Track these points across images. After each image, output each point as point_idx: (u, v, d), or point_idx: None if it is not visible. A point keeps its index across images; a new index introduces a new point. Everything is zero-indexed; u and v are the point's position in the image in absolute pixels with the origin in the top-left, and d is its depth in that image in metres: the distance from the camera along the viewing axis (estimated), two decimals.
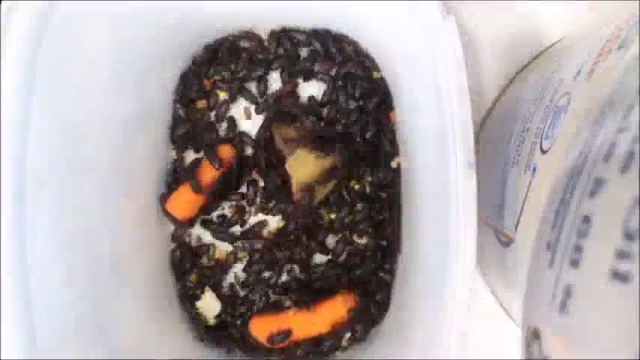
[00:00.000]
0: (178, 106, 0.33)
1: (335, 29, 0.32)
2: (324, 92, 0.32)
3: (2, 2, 0.22)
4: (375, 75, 0.32)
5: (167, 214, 0.32)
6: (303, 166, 0.30)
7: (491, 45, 0.33)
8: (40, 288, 0.23)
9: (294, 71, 0.33)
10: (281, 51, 0.33)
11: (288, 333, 0.30)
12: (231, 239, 0.33)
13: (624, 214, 0.12)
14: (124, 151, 0.29)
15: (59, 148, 0.25)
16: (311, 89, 0.33)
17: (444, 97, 0.22)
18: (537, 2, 0.32)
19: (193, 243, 0.33)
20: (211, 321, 0.33)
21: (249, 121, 0.33)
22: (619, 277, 0.11)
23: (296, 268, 0.33)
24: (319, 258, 0.33)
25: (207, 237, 0.33)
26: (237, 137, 0.33)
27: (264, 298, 0.33)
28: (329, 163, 0.30)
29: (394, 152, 0.31)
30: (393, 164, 0.31)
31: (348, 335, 0.32)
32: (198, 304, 0.33)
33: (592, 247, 0.13)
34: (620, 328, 0.11)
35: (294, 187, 0.30)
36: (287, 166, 0.30)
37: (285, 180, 0.31)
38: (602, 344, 0.12)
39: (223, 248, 0.33)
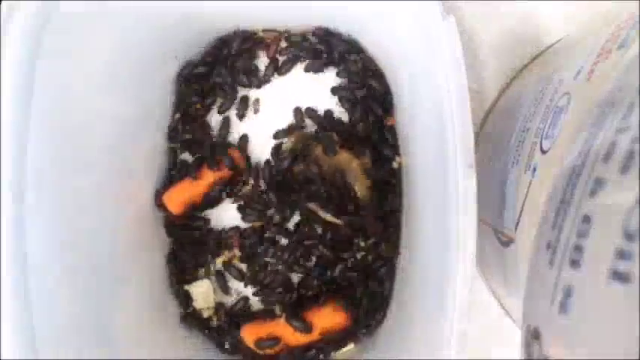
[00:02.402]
0: (178, 106, 0.33)
1: (335, 29, 0.32)
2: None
3: (2, 2, 0.22)
4: (375, 74, 0.32)
5: (162, 206, 0.32)
6: (351, 170, 0.31)
7: (491, 45, 0.33)
8: (39, 288, 0.23)
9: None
10: (281, 51, 0.33)
11: (276, 340, 0.30)
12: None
13: (624, 214, 0.12)
14: (123, 151, 0.29)
15: (59, 148, 0.25)
16: (312, 88, 0.33)
17: (444, 97, 0.21)
18: (537, 2, 0.32)
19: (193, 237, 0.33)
20: (205, 313, 0.33)
21: (248, 121, 0.33)
22: (619, 277, 0.11)
23: (293, 268, 0.33)
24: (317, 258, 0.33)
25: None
26: (239, 140, 0.33)
27: (258, 299, 0.33)
28: (364, 162, 0.31)
29: (395, 152, 0.31)
30: (394, 164, 0.31)
31: (341, 346, 0.32)
32: (191, 288, 0.33)
33: (592, 247, 0.13)
34: (620, 328, 0.11)
35: (359, 192, 0.31)
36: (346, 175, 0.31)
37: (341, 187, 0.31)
38: (602, 344, 0.12)
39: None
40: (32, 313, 0.22)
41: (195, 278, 0.33)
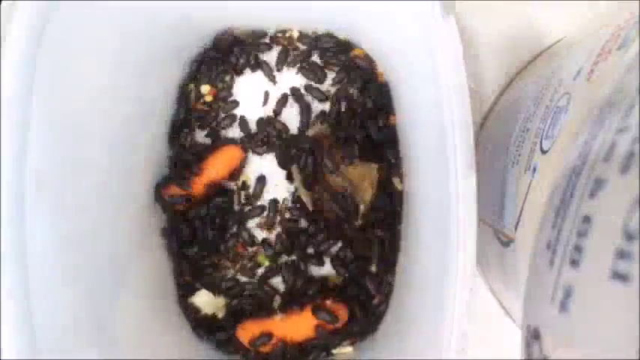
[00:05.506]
0: (179, 106, 0.33)
1: (335, 29, 0.32)
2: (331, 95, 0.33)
3: (2, 2, 0.22)
4: (375, 74, 0.32)
5: (162, 199, 0.32)
6: (361, 186, 0.31)
7: (491, 45, 0.33)
8: (40, 288, 0.23)
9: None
10: (282, 51, 0.33)
11: (269, 336, 0.30)
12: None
13: (624, 214, 0.12)
14: (124, 151, 0.29)
15: (59, 148, 0.25)
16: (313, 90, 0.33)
17: (444, 97, 0.21)
18: (537, 2, 0.32)
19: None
20: (219, 313, 0.33)
21: (251, 121, 0.34)
22: (619, 277, 0.11)
23: (296, 264, 0.33)
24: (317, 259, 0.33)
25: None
26: (244, 138, 0.33)
27: (254, 298, 0.33)
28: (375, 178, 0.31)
29: (395, 149, 0.31)
30: (392, 159, 0.31)
31: (338, 345, 0.32)
32: (194, 300, 0.33)
33: (592, 247, 0.13)
34: (620, 328, 0.11)
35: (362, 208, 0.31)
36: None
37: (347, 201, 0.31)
38: (602, 344, 0.12)
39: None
40: (32, 313, 0.22)
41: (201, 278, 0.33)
